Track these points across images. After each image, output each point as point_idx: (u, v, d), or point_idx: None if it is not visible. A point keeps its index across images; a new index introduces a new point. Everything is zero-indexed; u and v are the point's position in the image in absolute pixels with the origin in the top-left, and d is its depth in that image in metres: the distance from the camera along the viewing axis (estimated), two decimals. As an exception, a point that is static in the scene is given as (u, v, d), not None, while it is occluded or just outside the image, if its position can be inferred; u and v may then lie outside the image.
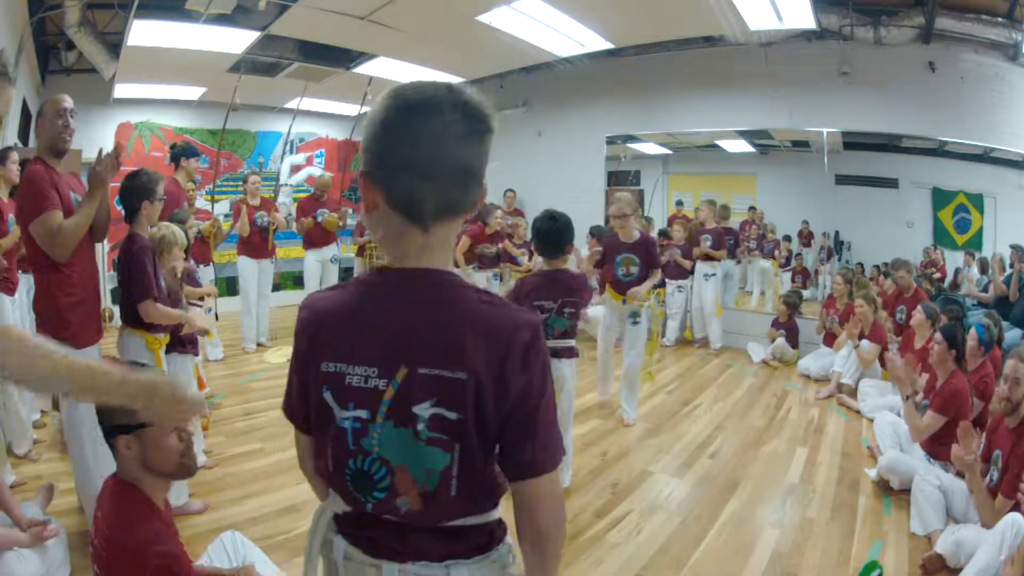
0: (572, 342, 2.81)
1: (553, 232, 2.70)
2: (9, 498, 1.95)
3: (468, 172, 0.80)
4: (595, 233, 5.33)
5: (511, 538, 0.93)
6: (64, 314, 2.11)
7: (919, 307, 3.94)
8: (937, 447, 2.80)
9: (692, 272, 5.92)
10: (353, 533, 0.90)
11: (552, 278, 2.71)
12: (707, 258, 5.75)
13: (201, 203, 6.09)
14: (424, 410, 0.80)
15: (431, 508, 0.83)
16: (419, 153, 0.76)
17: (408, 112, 0.77)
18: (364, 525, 0.89)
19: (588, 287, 2.85)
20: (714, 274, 5.75)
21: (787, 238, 6.36)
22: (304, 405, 0.90)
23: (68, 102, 2.14)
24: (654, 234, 6.59)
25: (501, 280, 6.24)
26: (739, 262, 6.33)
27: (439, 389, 0.79)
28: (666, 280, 6.05)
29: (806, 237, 6.21)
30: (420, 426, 0.80)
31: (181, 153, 4.44)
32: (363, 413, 0.82)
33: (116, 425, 1.27)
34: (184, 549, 1.32)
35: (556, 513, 0.87)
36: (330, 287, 0.93)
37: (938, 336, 2.96)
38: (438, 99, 0.77)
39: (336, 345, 0.84)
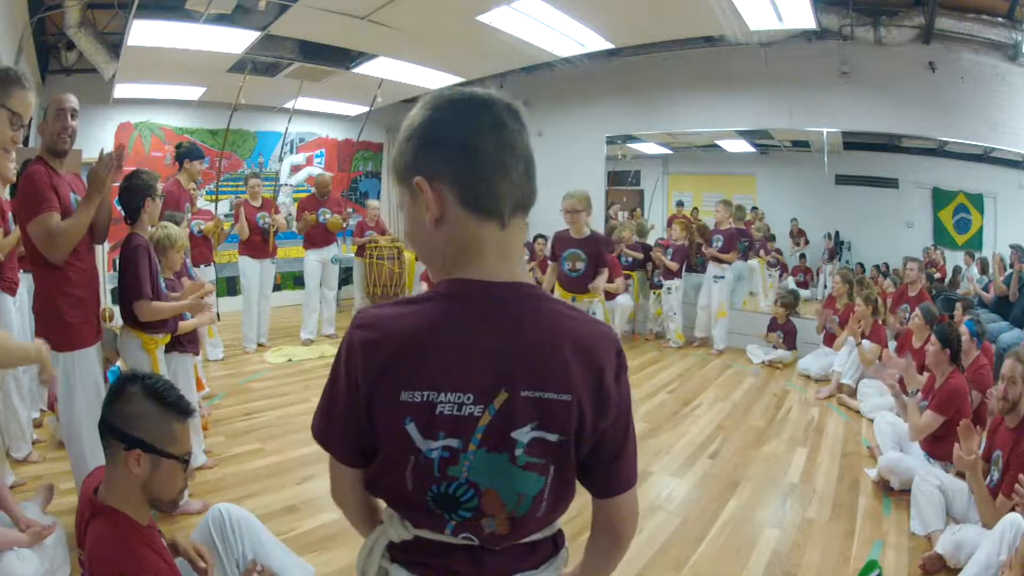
0: None
1: None
2: (9, 498, 1.95)
3: (531, 163, 0.80)
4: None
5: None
6: (64, 314, 2.10)
7: (917, 309, 3.94)
8: (936, 447, 2.80)
9: (680, 273, 5.89)
10: (413, 561, 0.83)
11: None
12: (716, 260, 5.71)
13: (202, 203, 6.09)
14: (524, 435, 0.75)
15: (516, 531, 0.80)
16: (490, 143, 0.73)
17: (470, 109, 0.75)
18: (427, 550, 0.82)
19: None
20: (723, 276, 5.71)
21: (771, 236, 6.38)
22: (356, 437, 0.79)
23: (70, 102, 2.13)
24: (655, 238, 6.65)
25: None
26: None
27: (542, 412, 0.75)
28: (663, 280, 6.06)
29: (797, 236, 6.22)
30: (518, 451, 0.76)
31: (186, 154, 4.45)
32: (454, 442, 0.75)
33: (138, 439, 1.23)
34: (175, 566, 1.30)
35: (635, 523, 0.92)
36: (394, 303, 0.79)
37: (933, 337, 2.97)
38: (489, 97, 0.76)
39: (424, 372, 0.73)
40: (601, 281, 3.55)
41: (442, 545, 0.81)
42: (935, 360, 2.93)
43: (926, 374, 3.21)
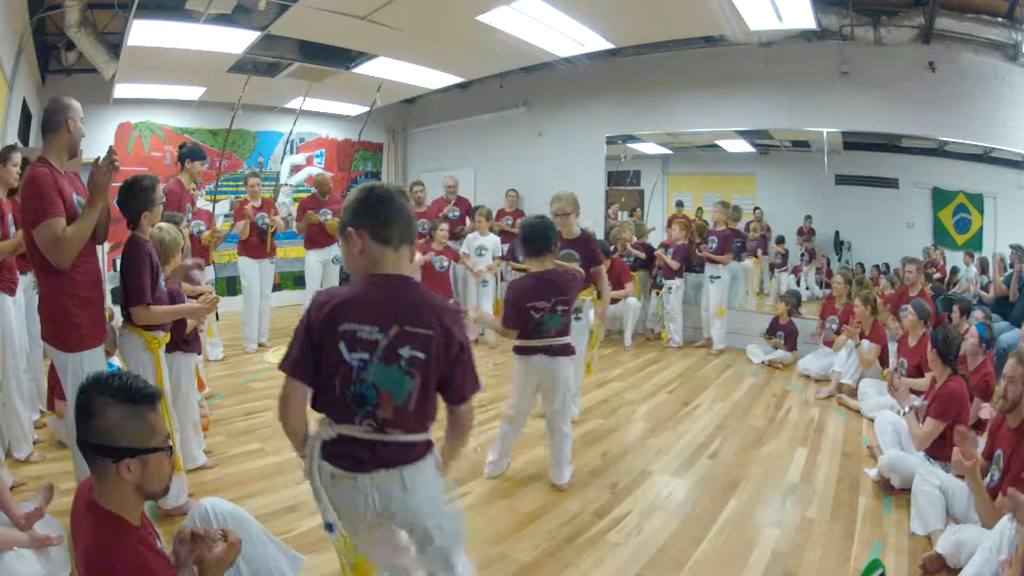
0: (568, 339, 2.82)
1: (540, 230, 2.76)
2: (9, 498, 1.95)
3: (411, 217, 1.42)
4: None
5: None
6: (72, 315, 2.10)
7: (910, 306, 3.94)
8: (937, 448, 2.80)
9: (681, 272, 5.92)
10: (335, 456, 1.37)
11: (543, 279, 2.74)
12: (711, 260, 5.74)
13: (202, 203, 6.09)
14: (406, 352, 1.33)
15: (398, 418, 1.35)
16: (386, 210, 1.38)
17: (377, 195, 1.39)
18: (343, 446, 1.36)
19: (577, 280, 2.89)
20: (719, 276, 5.73)
21: (781, 239, 6.38)
22: (310, 360, 1.34)
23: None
24: (656, 239, 6.65)
25: (502, 278, 6.25)
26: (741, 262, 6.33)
27: (415, 339, 1.34)
28: (664, 280, 6.07)
29: (807, 233, 6.21)
30: (402, 363, 1.33)
31: (187, 155, 4.45)
32: (366, 355, 1.32)
33: (124, 448, 1.21)
34: (169, 565, 1.29)
35: (472, 420, 1.48)
36: (338, 287, 1.45)
37: (930, 342, 2.99)
38: (387, 191, 1.40)
39: (351, 315, 1.33)
40: (604, 304, 3.61)
41: (352, 440, 1.36)
42: (933, 363, 2.95)
43: (928, 374, 3.21)
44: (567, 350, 2.83)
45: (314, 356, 1.33)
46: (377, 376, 1.32)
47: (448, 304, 1.41)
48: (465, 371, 1.40)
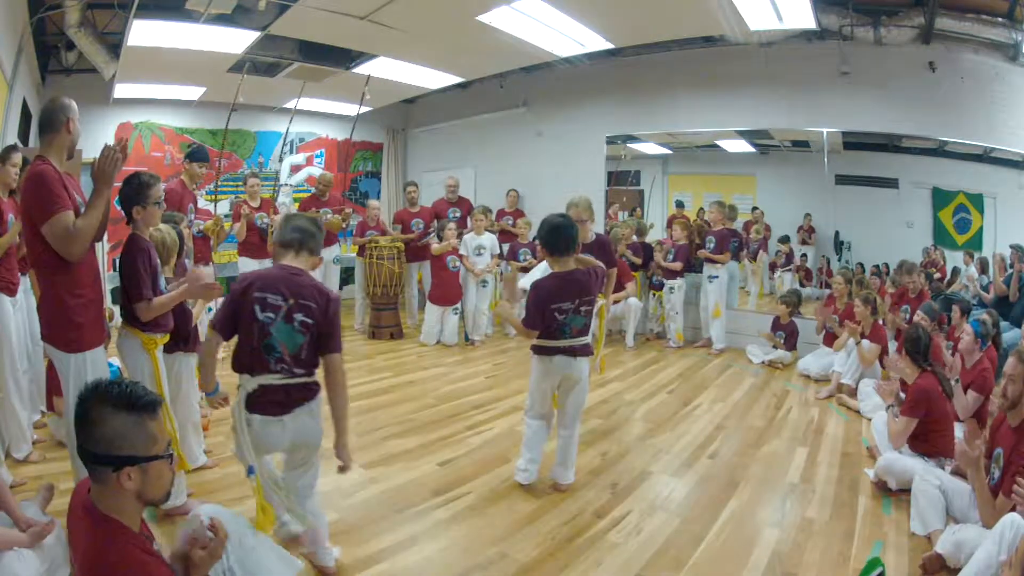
0: (587, 339, 2.80)
1: (564, 229, 2.71)
2: (9, 498, 1.95)
3: (308, 232, 2.08)
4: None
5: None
6: (73, 315, 2.10)
7: (919, 309, 3.96)
8: (920, 445, 2.87)
9: (683, 273, 5.92)
10: (260, 406, 1.94)
11: (567, 279, 2.70)
12: (709, 260, 5.75)
13: (202, 203, 6.09)
14: (298, 317, 1.93)
15: (295, 363, 1.95)
16: (291, 229, 2.07)
17: (291, 223, 2.11)
18: (266, 396, 1.94)
19: (599, 276, 2.81)
20: (717, 276, 5.74)
21: (785, 239, 6.37)
22: (231, 321, 1.96)
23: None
24: (654, 237, 6.65)
25: (501, 278, 6.25)
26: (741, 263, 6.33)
27: (305, 308, 1.93)
28: (664, 280, 6.07)
29: (807, 231, 6.20)
30: (296, 324, 1.92)
31: (188, 155, 4.47)
32: (272, 315, 1.92)
33: (125, 457, 1.20)
34: (166, 570, 1.28)
35: (343, 372, 2.02)
36: (253, 271, 2.13)
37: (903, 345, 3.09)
38: (302, 223, 2.12)
39: (263, 286, 1.94)
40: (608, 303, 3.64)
41: (272, 388, 1.93)
42: (906, 364, 3.04)
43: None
44: (587, 350, 2.79)
45: (234, 319, 1.95)
46: (279, 332, 1.91)
47: (324, 288, 2.01)
48: (333, 333, 1.98)
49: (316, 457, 2.11)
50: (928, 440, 2.85)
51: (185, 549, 1.43)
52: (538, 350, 2.77)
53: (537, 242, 2.88)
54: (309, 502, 2.11)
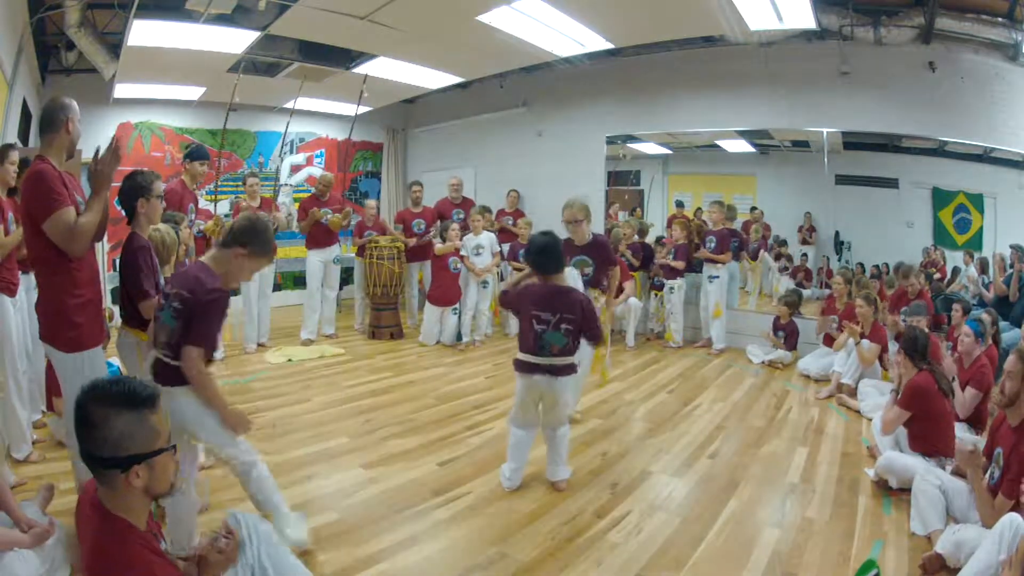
0: (572, 359, 2.75)
1: (549, 249, 2.72)
2: (9, 498, 1.94)
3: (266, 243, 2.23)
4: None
5: None
6: (72, 315, 2.10)
7: (902, 311, 3.98)
8: (919, 444, 2.90)
9: (684, 273, 5.92)
10: (155, 374, 2.04)
11: (553, 290, 2.71)
12: (710, 260, 5.74)
13: (202, 203, 6.09)
14: (173, 303, 2.01)
15: (169, 345, 2.01)
16: (262, 243, 2.19)
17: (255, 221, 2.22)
18: (155, 368, 2.05)
19: (593, 314, 2.76)
20: (717, 276, 5.74)
21: (783, 242, 6.37)
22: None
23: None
24: (655, 236, 6.65)
25: (502, 278, 6.25)
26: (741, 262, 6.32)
27: (182, 298, 1.99)
28: (664, 280, 6.07)
29: (808, 231, 6.20)
30: (173, 312, 2.01)
31: (188, 155, 4.48)
32: (163, 302, 2.07)
33: (132, 456, 1.19)
34: (173, 569, 1.29)
35: (195, 365, 1.99)
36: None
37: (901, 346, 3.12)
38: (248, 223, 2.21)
39: (171, 279, 2.16)
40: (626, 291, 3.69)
41: (158, 362, 2.05)
42: (903, 364, 3.07)
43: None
44: (570, 370, 2.76)
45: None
46: (165, 315, 2.05)
47: (205, 283, 2.02)
48: (199, 325, 2.00)
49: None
50: (928, 440, 2.86)
51: (203, 551, 1.44)
52: (519, 365, 2.77)
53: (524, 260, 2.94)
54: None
